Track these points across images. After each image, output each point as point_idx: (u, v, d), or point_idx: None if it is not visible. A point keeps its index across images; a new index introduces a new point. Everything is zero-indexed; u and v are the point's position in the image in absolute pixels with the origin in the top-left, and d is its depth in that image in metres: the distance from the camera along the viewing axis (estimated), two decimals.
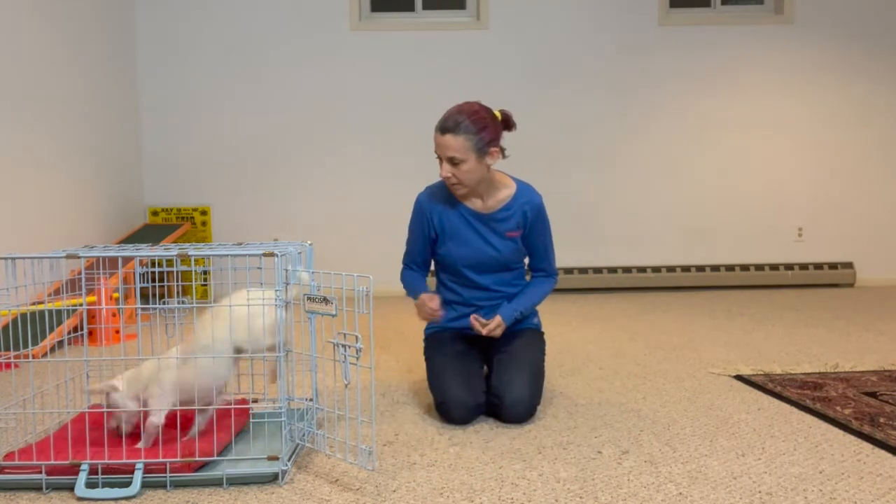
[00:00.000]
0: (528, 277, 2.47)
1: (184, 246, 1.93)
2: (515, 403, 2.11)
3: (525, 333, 2.38)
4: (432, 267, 2.49)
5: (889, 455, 1.84)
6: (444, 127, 2.12)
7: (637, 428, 2.09)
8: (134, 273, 3.15)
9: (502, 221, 2.29)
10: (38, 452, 1.73)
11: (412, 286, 2.38)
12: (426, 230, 2.34)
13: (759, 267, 5.39)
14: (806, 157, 5.48)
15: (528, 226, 2.31)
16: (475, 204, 2.30)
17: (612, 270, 5.33)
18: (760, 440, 1.97)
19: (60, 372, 2.88)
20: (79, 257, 1.69)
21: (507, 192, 2.30)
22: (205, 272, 5.14)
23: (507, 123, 2.23)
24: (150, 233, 4.71)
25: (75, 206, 4.21)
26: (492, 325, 2.22)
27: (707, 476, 1.72)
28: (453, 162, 2.13)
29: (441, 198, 2.33)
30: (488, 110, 2.18)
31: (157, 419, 1.77)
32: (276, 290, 1.74)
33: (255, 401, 2.17)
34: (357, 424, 1.96)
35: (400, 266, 2.56)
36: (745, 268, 5.38)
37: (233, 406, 1.92)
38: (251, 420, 2.09)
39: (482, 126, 2.12)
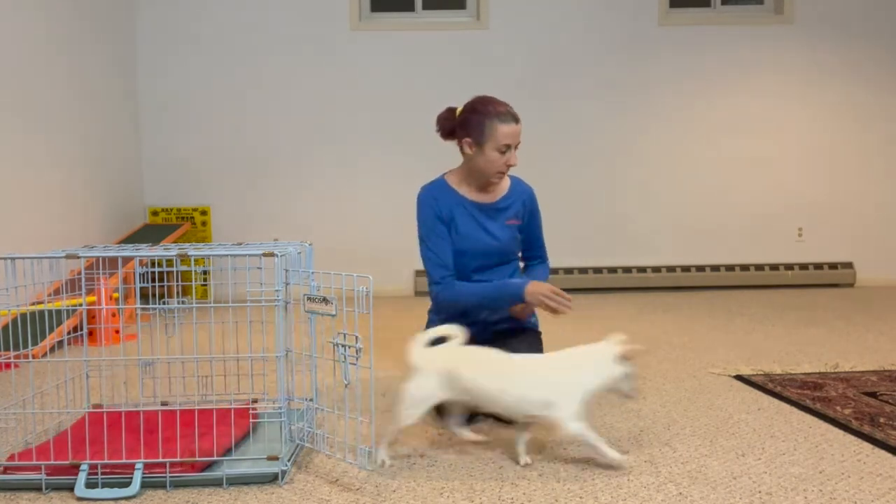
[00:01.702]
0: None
1: (184, 246, 1.93)
2: None
3: (524, 333, 2.39)
4: None
5: (889, 455, 1.84)
6: (515, 116, 2.22)
7: (637, 428, 2.09)
8: (134, 273, 3.16)
9: (503, 210, 2.36)
10: (37, 454, 1.73)
11: (487, 291, 2.26)
12: (443, 220, 2.31)
13: (759, 267, 5.38)
14: (806, 157, 5.48)
15: (528, 216, 2.41)
16: (476, 195, 2.35)
17: (613, 270, 5.33)
18: (760, 440, 1.97)
19: (60, 372, 2.87)
20: (79, 257, 1.69)
21: (504, 183, 2.41)
22: (205, 272, 5.14)
23: None
24: (150, 233, 4.71)
25: (75, 206, 4.21)
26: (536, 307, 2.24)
27: (707, 476, 1.72)
28: (517, 148, 2.25)
29: (442, 193, 2.35)
30: None
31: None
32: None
33: (255, 401, 2.17)
34: (357, 424, 1.96)
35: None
36: (745, 268, 5.38)
37: (232, 408, 1.92)
38: (251, 421, 2.08)
39: None
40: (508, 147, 2.21)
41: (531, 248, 2.48)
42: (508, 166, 2.25)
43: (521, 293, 2.20)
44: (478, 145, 2.22)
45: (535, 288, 2.18)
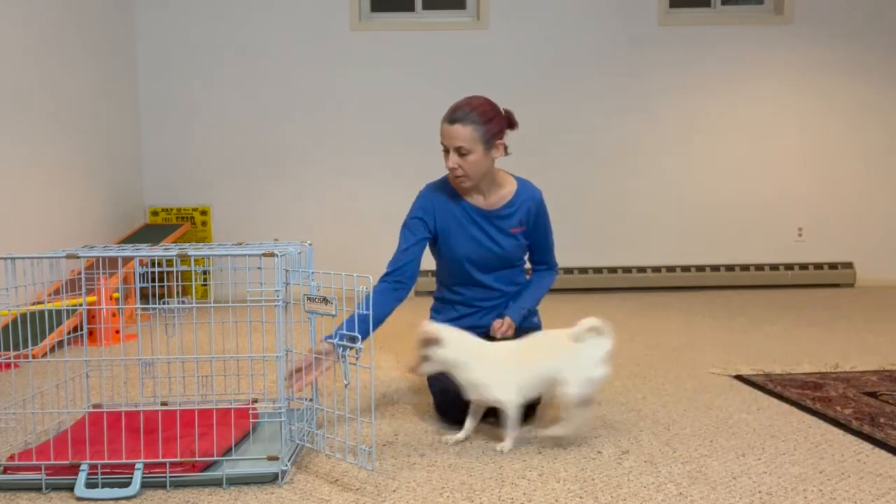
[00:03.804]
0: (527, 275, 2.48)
1: (184, 246, 1.93)
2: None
3: (524, 333, 2.37)
4: (433, 267, 2.48)
5: (889, 455, 1.84)
6: (453, 117, 2.11)
7: (637, 428, 2.09)
8: (134, 273, 3.15)
9: (506, 218, 2.28)
10: (37, 453, 1.73)
11: (357, 315, 1.80)
12: (425, 226, 2.27)
13: (759, 267, 5.38)
14: (806, 157, 5.48)
15: (532, 221, 2.30)
16: (477, 200, 2.28)
17: (612, 270, 5.33)
18: (760, 440, 1.97)
19: (60, 372, 2.88)
20: (79, 257, 1.69)
21: (508, 188, 2.29)
22: (205, 272, 5.14)
23: (510, 121, 2.23)
24: (150, 233, 4.71)
25: (75, 206, 4.21)
26: (504, 328, 2.22)
27: (707, 476, 1.72)
28: (460, 152, 2.12)
29: (443, 194, 2.29)
30: (494, 104, 2.18)
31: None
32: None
33: (255, 401, 2.17)
34: (357, 424, 1.96)
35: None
36: (745, 268, 5.38)
37: (232, 408, 1.92)
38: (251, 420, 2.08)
39: (489, 118, 2.13)
40: (445, 148, 2.14)
41: (537, 254, 2.40)
42: (451, 170, 2.14)
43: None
44: None
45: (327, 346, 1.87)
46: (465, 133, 2.09)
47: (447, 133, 2.12)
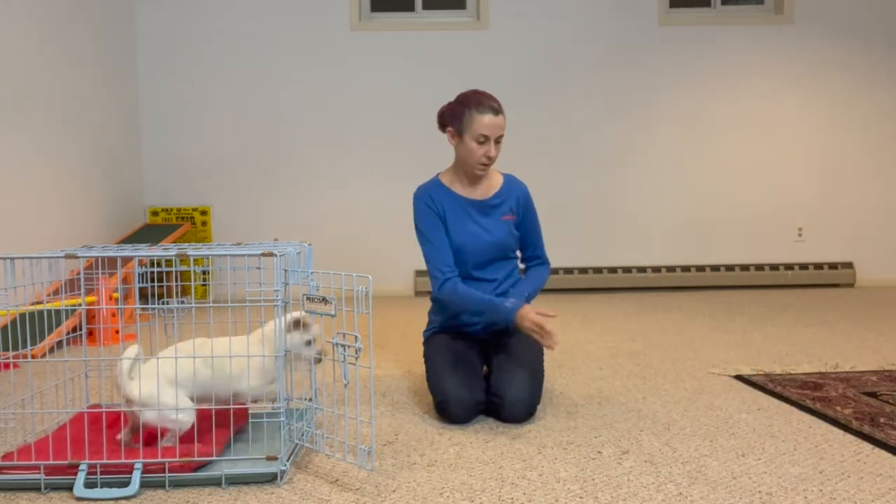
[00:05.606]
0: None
1: (183, 246, 1.93)
2: (515, 403, 2.11)
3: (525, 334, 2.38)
4: None
5: (889, 455, 1.84)
6: (496, 108, 2.25)
7: (637, 428, 2.09)
8: (133, 273, 3.15)
9: (496, 207, 2.38)
10: (36, 452, 1.73)
11: (482, 303, 2.23)
12: (439, 217, 2.34)
13: (759, 267, 5.38)
14: (806, 157, 5.48)
15: (521, 212, 2.40)
16: (469, 192, 2.38)
17: (612, 270, 5.33)
18: (760, 440, 1.97)
19: (60, 372, 2.87)
20: (78, 257, 1.69)
21: (497, 180, 2.42)
22: (204, 272, 5.14)
23: None
24: (150, 233, 4.71)
25: (75, 206, 4.21)
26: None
27: (707, 476, 1.72)
28: (498, 141, 2.27)
29: (437, 190, 2.40)
30: None
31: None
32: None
33: (255, 401, 2.17)
34: (357, 424, 1.96)
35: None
36: (745, 268, 5.38)
37: (231, 408, 1.91)
38: (250, 420, 2.08)
39: None
40: (486, 138, 2.24)
41: (529, 248, 2.47)
42: (489, 158, 2.26)
43: (512, 318, 2.19)
44: (459, 135, 2.28)
45: (523, 316, 2.16)
46: (504, 123, 2.28)
47: (495, 124, 2.24)
